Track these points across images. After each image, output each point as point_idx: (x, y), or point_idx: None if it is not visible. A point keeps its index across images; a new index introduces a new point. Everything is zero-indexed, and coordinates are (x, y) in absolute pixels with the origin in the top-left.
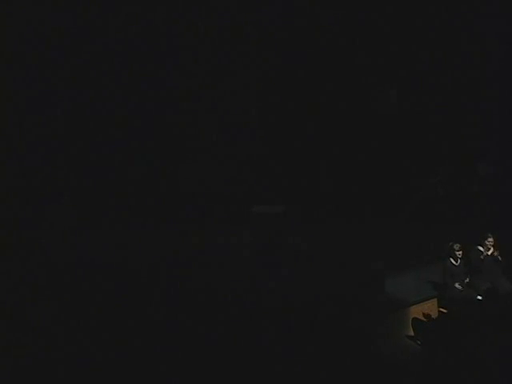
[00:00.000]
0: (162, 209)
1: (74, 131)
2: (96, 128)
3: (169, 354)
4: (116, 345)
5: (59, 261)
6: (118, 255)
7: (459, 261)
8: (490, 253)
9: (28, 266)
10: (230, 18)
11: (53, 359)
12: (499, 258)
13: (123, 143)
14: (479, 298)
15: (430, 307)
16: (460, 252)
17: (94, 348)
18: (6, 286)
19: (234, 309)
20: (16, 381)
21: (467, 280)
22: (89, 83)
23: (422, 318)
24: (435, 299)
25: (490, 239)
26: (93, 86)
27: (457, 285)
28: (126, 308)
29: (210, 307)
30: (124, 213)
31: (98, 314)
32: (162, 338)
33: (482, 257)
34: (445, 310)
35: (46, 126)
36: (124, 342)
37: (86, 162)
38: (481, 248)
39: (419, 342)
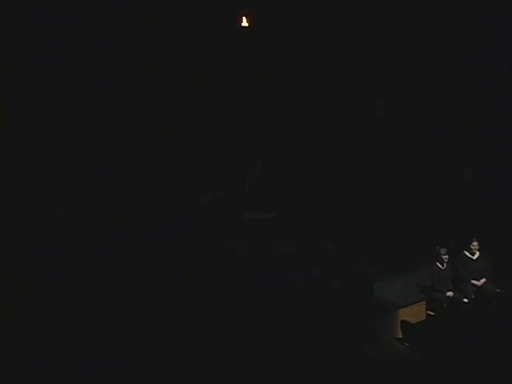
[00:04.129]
0: (158, 216)
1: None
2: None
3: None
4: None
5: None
6: (115, 261)
7: (445, 265)
8: (475, 257)
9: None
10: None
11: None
12: (485, 261)
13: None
14: (465, 300)
15: (419, 310)
16: (446, 256)
17: (95, 350)
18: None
19: (225, 313)
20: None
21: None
22: (92, 87)
23: (411, 321)
24: (423, 302)
25: (475, 243)
26: (98, 91)
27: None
28: (124, 312)
29: (205, 310)
30: (121, 219)
31: (100, 318)
32: (159, 341)
33: (467, 261)
34: (433, 313)
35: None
36: (123, 344)
37: (89, 166)
38: (466, 252)
39: (407, 344)
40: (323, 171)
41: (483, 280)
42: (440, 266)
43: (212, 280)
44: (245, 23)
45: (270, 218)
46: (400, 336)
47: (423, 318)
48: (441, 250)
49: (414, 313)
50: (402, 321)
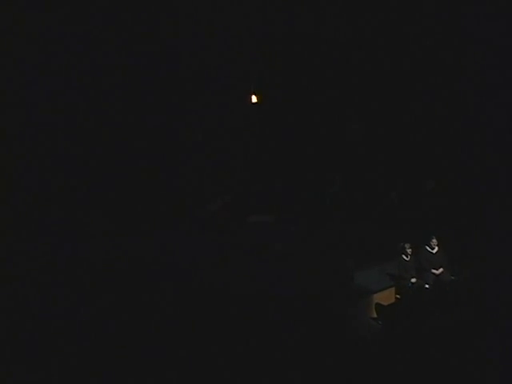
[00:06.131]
0: (165, 216)
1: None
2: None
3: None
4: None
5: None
6: (120, 257)
7: (410, 257)
8: (434, 251)
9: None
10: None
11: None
12: (442, 254)
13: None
14: (426, 286)
15: (389, 294)
16: (410, 250)
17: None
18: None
19: (227, 300)
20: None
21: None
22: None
23: (383, 303)
24: (393, 288)
25: (434, 240)
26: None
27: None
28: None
29: (209, 303)
30: (124, 219)
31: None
32: (160, 337)
33: (428, 254)
34: (400, 296)
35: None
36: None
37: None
38: (427, 247)
39: (380, 322)
40: (312, 180)
41: (441, 269)
42: (405, 258)
43: (218, 274)
44: (254, 100)
45: (269, 221)
46: (374, 315)
47: (393, 300)
48: (405, 246)
49: (386, 297)
50: (376, 303)
